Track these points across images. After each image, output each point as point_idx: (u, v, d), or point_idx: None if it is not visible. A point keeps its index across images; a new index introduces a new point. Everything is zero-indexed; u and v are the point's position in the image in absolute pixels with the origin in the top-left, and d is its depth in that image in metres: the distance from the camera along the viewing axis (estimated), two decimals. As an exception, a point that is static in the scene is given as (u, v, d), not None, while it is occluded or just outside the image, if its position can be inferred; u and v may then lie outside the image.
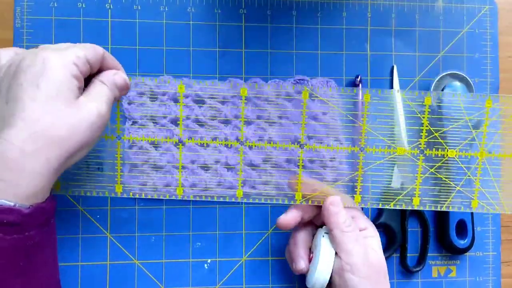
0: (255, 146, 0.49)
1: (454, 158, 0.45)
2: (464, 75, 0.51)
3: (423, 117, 0.44)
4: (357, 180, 0.46)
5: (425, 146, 0.44)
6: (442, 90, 0.50)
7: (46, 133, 0.32)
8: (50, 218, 0.36)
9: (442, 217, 0.51)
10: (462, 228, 0.51)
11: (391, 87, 0.52)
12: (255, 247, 0.50)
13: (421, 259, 0.51)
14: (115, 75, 0.39)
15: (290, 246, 0.46)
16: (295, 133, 0.49)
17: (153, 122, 0.48)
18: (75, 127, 0.34)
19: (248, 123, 0.49)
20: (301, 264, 0.44)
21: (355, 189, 0.47)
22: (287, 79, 0.50)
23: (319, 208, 0.45)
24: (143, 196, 0.47)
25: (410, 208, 0.46)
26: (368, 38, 0.52)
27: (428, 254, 0.51)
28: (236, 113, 0.49)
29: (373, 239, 0.44)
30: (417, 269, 0.51)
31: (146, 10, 0.49)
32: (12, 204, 0.31)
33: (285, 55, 0.51)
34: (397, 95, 0.46)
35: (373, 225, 0.45)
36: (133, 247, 0.49)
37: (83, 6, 0.49)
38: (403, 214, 0.51)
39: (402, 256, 0.51)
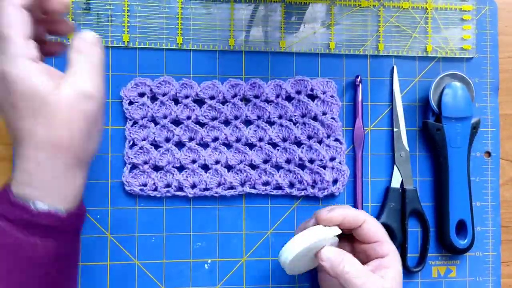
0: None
1: (408, 9, 0.51)
2: (464, 75, 0.51)
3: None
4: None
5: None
6: (442, 90, 0.50)
7: (48, 143, 0.32)
8: (80, 227, 0.36)
9: (442, 217, 0.51)
10: (462, 228, 0.51)
11: (391, 87, 0.52)
12: (255, 247, 0.50)
13: (421, 259, 0.51)
14: (84, 35, 0.35)
15: None
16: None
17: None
18: (72, 128, 0.32)
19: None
20: None
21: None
22: (287, 80, 0.50)
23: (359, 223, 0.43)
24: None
25: (376, 53, 0.51)
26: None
27: (428, 254, 0.51)
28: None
29: (389, 270, 0.41)
30: (417, 269, 0.51)
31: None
32: (48, 208, 0.32)
33: (285, 55, 0.51)
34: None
35: (397, 252, 0.43)
36: (133, 247, 0.49)
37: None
38: (403, 214, 0.51)
39: (402, 256, 0.51)
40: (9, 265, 0.32)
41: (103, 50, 0.36)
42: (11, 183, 0.34)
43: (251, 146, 0.50)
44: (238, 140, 0.50)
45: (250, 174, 0.49)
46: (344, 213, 0.42)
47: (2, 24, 0.31)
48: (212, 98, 0.49)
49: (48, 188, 0.33)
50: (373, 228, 0.42)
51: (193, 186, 0.49)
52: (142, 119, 0.49)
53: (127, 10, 0.49)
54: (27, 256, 0.32)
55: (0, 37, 0.32)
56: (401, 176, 0.51)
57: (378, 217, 0.51)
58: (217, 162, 0.49)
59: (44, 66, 0.33)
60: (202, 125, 0.50)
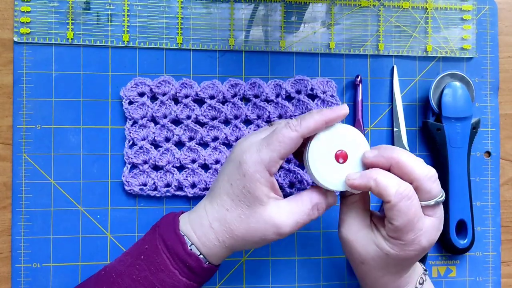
0: None
1: (408, 8, 0.52)
2: (464, 75, 0.51)
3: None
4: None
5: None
6: (442, 90, 0.50)
7: (228, 225, 0.38)
8: (206, 281, 0.41)
9: (442, 217, 0.51)
10: (462, 228, 0.51)
11: (391, 87, 0.52)
12: (255, 247, 0.50)
13: (421, 259, 0.51)
14: (329, 197, 0.40)
15: None
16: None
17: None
18: (250, 233, 0.38)
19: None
20: None
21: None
22: (287, 79, 0.50)
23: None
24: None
25: (376, 53, 0.51)
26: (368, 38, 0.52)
27: (428, 254, 0.51)
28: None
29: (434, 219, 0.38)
30: (417, 269, 0.51)
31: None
32: (199, 254, 0.39)
33: (285, 55, 0.51)
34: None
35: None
36: (133, 247, 0.49)
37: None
38: (403, 214, 0.51)
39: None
40: None
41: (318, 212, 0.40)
42: (181, 217, 0.41)
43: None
44: (238, 139, 0.50)
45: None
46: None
47: (277, 139, 0.37)
48: (212, 97, 0.49)
49: (207, 245, 0.39)
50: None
51: (193, 185, 0.49)
52: (142, 119, 0.49)
53: (127, 10, 0.49)
54: None
55: (273, 137, 0.37)
56: (401, 176, 0.51)
57: (378, 217, 0.51)
58: (217, 161, 0.49)
59: (272, 180, 0.38)
60: (202, 124, 0.49)
